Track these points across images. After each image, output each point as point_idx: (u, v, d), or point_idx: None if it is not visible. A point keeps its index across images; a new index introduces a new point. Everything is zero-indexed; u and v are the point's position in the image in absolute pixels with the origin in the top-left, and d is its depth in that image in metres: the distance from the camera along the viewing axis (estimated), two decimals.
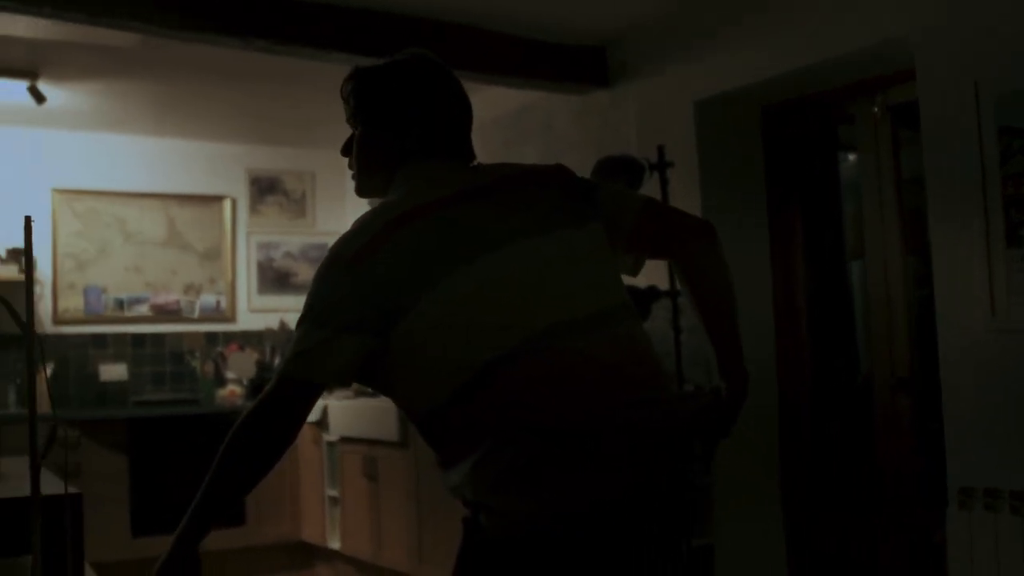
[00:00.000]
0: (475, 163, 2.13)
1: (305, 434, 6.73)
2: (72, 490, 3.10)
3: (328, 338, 1.85)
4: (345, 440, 6.23)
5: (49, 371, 6.65)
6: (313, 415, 6.64)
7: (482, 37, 5.11)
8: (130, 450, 6.38)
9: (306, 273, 7.72)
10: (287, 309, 7.57)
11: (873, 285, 4.60)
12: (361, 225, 1.96)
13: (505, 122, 6.19)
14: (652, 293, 4.07)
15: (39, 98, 5.75)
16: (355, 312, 1.85)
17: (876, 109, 4.55)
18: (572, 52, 5.40)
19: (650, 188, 4.22)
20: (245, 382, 7.16)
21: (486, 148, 6.20)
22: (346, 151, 2.14)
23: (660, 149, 4.16)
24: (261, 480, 1.93)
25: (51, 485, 2.84)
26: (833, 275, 5.09)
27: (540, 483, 1.79)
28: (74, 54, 5.35)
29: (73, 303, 7.00)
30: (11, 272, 6.58)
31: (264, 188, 7.69)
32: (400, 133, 2.06)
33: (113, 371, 7.03)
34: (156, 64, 5.59)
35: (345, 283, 1.87)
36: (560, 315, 1.87)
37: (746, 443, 4.64)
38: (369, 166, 2.11)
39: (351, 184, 2.15)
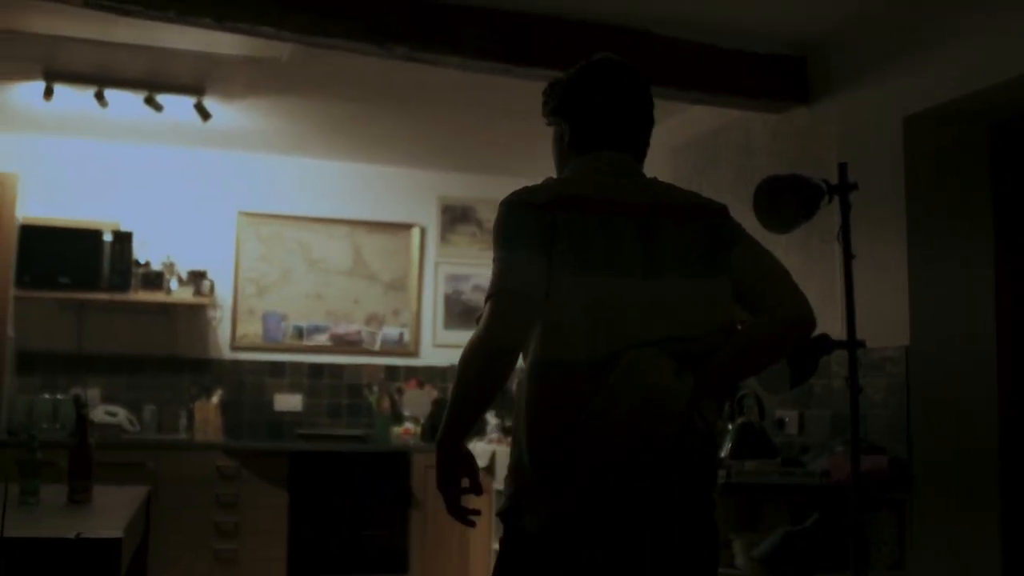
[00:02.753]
0: (649, 177, 2.34)
1: None
2: (110, 534, 2.72)
3: (523, 257, 2.11)
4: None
5: (219, 398, 6.45)
6: (482, 460, 6.18)
7: (672, 47, 4.52)
8: (291, 485, 6.06)
9: None
10: None
11: None
12: (541, 186, 2.22)
13: (699, 144, 5.53)
14: (822, 345, 3.32)
15: (204, 115, 5.55)
16: (540, 237, 2.11)
17: None
18: (770, 62, 4.71)
19: (827, 216, 3.49)
20: (422, 420, 6.74)
21: (679, 171, 5.62)
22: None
23: (842, 168, 3.43)
24: (496, 391, 2.12)
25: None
26: None
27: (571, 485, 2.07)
28: (235, 69, 5.11)
29: (252, 329, 6.79)
30: (187, 295, 6.42)
31: (456, 217, 7.30)
32: (575, 125, 2.32)
33: (288, 401, 6.78)
34: (322, 80, 5.28)
35: (531, 218, 2.13)
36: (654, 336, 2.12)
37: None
38: (557, 156, 2.40)
39: None
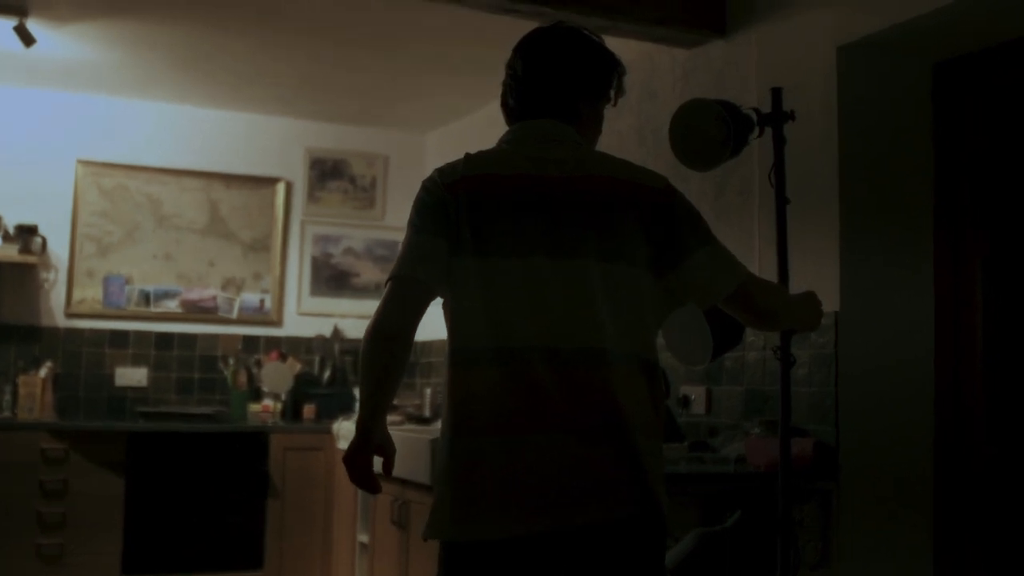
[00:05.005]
0: (582, 144, 2.26)
1: (341, 464, 5.56)
2: None
3: (427, 240, 2.11)
4: (380, 477, 5.02)
5: (49, 371, 5.66)
6: (348, 442, 5.51)
7: None
8: (129, 471, 5.31)
9: (370, 273, 6.57)
10: (344, 314, 6.43)
11: None
12: (454, 164, 2.20)
13: None
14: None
15: (27, 39, 4.74)
16: (444, 222, 2.11)
17: None
18: None
19: (765, 151, 2.91)
20: (283, 397, 6.03)
21: None
22: None
23: (775, 94, 2.84)
24: (394, 374, 2.10)
25: None
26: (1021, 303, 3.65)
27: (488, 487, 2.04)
28: None
29: (91, 293, 5.99)
30: (12, 252, 5.61)
31: (326, 172, 6.57)
32: (509, 95, 2.29)
33: (131, 375, 6.01)
34: (168, 3, 4.54)
35: (436, 199, 2.14)
36: (555, 341, 2.06)
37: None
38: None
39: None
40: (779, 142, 2.81)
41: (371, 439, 2.09)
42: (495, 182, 2.14)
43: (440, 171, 2.19)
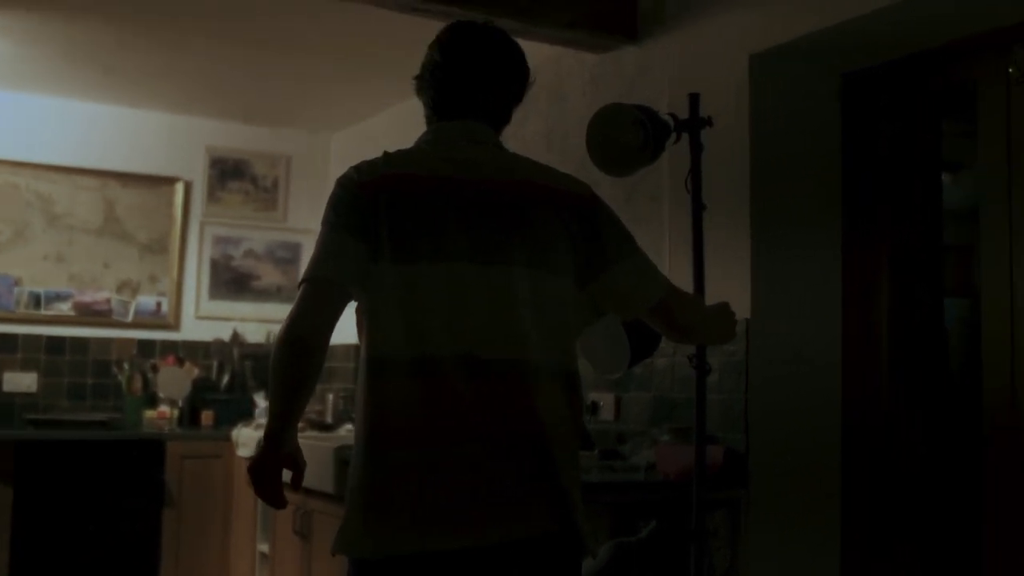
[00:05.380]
0: (505, 148, 2.20)
1: (240, 472, 5.43)
2: None
3: (343, 240, 1.99)
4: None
5: None
6: (248, 449, 5.37)
7: None
8: (17, 481, 5.10)
9: (271, 276, 6.42)
10: (245, 318, 6.27)
11: (991, 327, 3.23)
12: (373, 162, 2.10)
13: None
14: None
15: None
16: (361, 222, 1.99)
17: (1013, 70, 3.18)
18: None
19: (675, 156, 2.88)
20: (180, 403, 5.86)
21: None
22: None
23: (693, 100, 2.81)
24: (307, 381, 1.98)
25: None
26: (925, 308, 3.70)
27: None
28: None
29: None
30: None
31: (227, 171, 6.40)
32: (430, 95, 2.19)
33: (20, 380, 5.76)
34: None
35: (354, 198, 2.02)
36: (478, 351, 1.98)
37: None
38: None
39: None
40: (696, 148, 2.78)
41: (280, 450, 1.99)
42: (417, 183, 2.05)
43: (358, 169, 2.09)
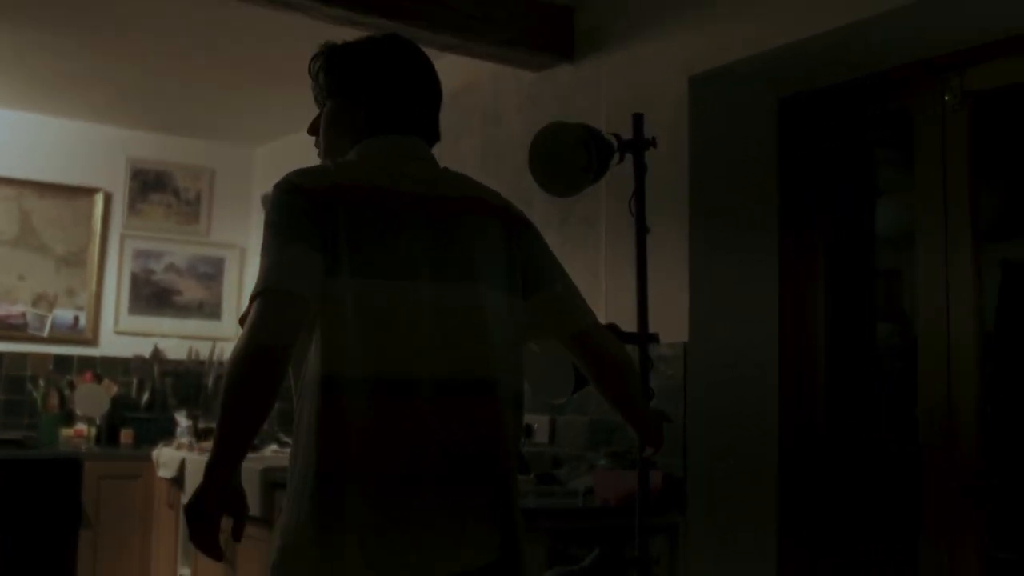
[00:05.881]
0: (442, 166, 2.13)
1: (160, 493, 5.27)
2: None
3: (300, 251, 1.83)
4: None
5: None
6: (169, 470, 5.22)
7: None
8: None
9: (193, 292, 6.27)
10: (165, 334, 6.11)
11: (926, 348, 3.25)
12: (320, 169, 1.99)
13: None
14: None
15: None
16: (316, 230, 1.85)
17: (949, 98, 3.21)
18: (530, 8, 4.05)
19: (613, 177, 2.85)
20: (98, 421, 5.68)
21: None
22: (313, 130, 2.17)
23: (637, 120, 2.79)
24: (270, 404, 1.78)
25: None
26: (859, 328, 3.72)
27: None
28: None
29: None
30: None
31: (149, 183, 6.24)
32: (369, 108, 2.08)
33: None
34: None
35: (307, 206, 1.87)
36: (443, 371, 1.89)
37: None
38: (337, 141, 2.11)
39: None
40: (640, 169, 2.77)
41: (225, 488, 1.76)
42: (376, 196, 1.93)
43: (304, 175, 1.94)
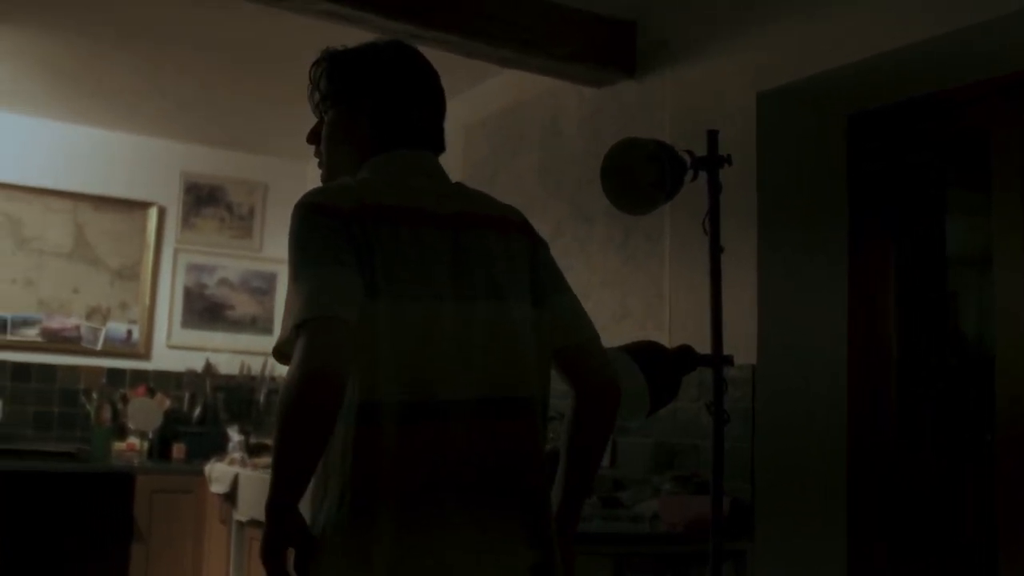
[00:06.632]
0: (455, 180, 2.05)
1: (212, 508, 5.24)
2: None
3: (339, 273, 1.73)
4: (256, 524, 4.73)
5: None
6: (221, 485, 5.19)
7: None
8: None
9: (246, 306, 6.26)
10: (217, 348, 6.10)
11: (1004, 379, 3.15)
12: (341, 187, 1.88)
13: (498, 122, 4.77)
14: (685, 360, 2.60)
15: None
16: (353, 253, 1.76)
17: None
18: (593, 23, 4.00)
19: (691, 198, 2.78)
20: (150, 435, 5.67)
21: (473, 154, 4.81)
22: (313, 139, 2.09)
23: (711, 136, 2.72)
24: (327, 436, 1.70)
25: None
26: (932, 352, 3.63)
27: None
28: None
29: None
30: None
31: (202, 198, 6.25)
32: (375, 119, 2.00)
33: None
34: (36, 6, 4.21)
35: (336, 227, 1.76)
36: (478, 391, 1.83)
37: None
38: (340, 151, 2.03)
39: None
40: (715, 187, 2.69)
41: (293, 527, 1.69)
42: (404, 215, 1.84)
43: (326, 193, 1.85)
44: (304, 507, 1.72)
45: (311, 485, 1.76)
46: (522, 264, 1.96)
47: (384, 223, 1.81)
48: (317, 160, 2.10)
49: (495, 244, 1.93)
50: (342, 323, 1.69)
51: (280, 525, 1.69)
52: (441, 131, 2.07)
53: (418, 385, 1.77)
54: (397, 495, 1.73)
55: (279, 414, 1.67)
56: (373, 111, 1.99)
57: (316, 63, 2.08)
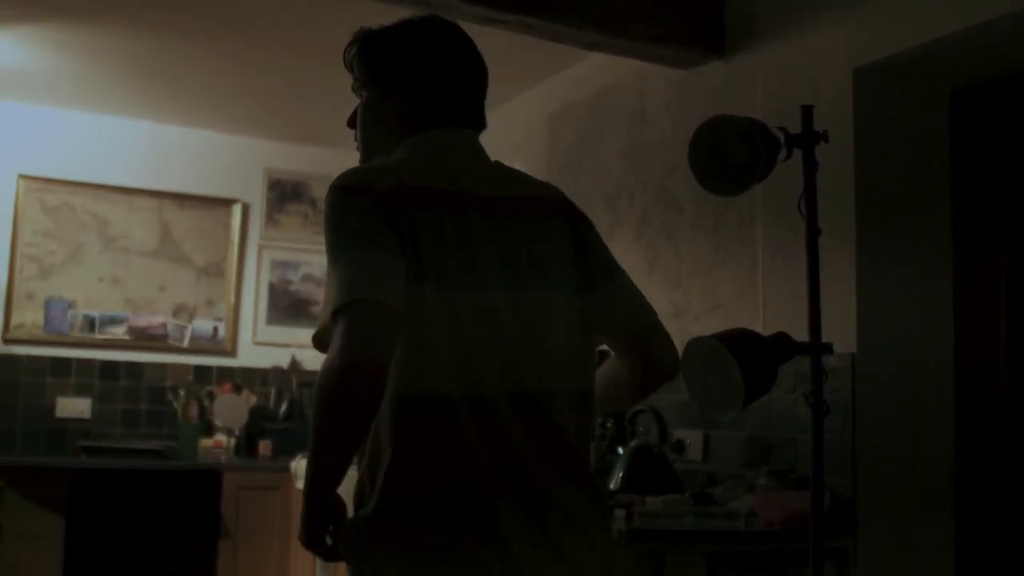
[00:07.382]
0: (493, 159, 1.95)
1: (299, 505, 5.20)
2: None
3: (381, 257, 1.63)
4: None
5: None
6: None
7: None
8: (70, 510, 4.92)
9: None
10: (303, 344, 6.07)
11: None
12: (381, 166, 1.79)
13: (582, 109, 4.65)
14: (781, 348, 2.45)
15: None
16: (395, 237, 1.66)
17: None
18: (678, 4, 3.86)
19: (782, 182, 2.63)
20: (237, 432, 5.67)
21: (559, 142, 4.69)
22: (353, 122, 2.01)
23: (806, 112, 2.57)
24: (368, 425, 1.63)
25: None
26: None
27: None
28: None
29: (30, 318, 5.60)
30: None
31: (286, 194, 6.24)
32: (411, 97, 1.91)
33: (73, 406, 5.61)
34: (121, 7, 4.21)
35: (376, 209, 1.67)
36: (523, 384, 1.74)
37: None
38: (377, 133, 1.95)
39: None
40: (811, 166, 2.53)
41: (332, 511, 1.66)
42: (441, 198, 1.75)
43: (365, 174, 1.76)
44: (348, 493, 1.68)
45: (357, 474, 1.73)
46: (565, 249, 1.88)
47: (426, 206, 1.73)
48: (356, 144, 2.01)
49: (537, 229, 1.86)
50: (384, 307, 1.61)
51: (321, 510, 1.64)
52: (481, 108, 1.99)
53: (470, 377, 1.69)
54: (449, 488, 1.67)
55: (316, 404, 1.59)
56: (408, 89, 1.91)
57: (350, 44, 2.01)
